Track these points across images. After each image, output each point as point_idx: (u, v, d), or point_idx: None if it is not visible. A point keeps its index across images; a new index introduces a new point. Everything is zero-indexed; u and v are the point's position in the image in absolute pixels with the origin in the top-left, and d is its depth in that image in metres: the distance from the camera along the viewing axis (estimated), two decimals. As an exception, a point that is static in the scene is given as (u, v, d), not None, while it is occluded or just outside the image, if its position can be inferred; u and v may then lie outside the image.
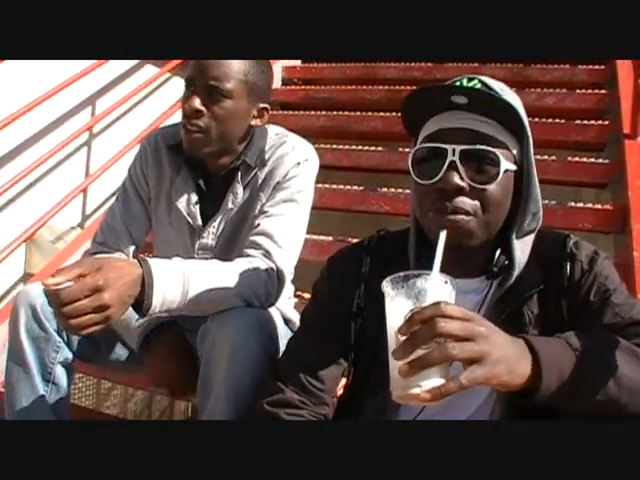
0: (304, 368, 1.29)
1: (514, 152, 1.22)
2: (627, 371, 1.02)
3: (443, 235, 1.11)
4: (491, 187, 1.18)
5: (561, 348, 1.02)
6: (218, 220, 1.75)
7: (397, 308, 0.97)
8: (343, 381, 1.37)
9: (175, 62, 3.98)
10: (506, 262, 1.24)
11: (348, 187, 3.38)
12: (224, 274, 1.49)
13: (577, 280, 1.23)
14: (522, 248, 1.25)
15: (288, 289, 1.83)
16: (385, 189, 3.26)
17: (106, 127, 3.86)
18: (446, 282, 0.99)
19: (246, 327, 1.41)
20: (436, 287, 0.97)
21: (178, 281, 1.40)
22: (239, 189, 1.74)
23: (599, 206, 2.96)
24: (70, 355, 1.69)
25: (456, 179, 1.16)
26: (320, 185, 3.38)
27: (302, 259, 2.06)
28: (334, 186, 3.40)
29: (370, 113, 3.89)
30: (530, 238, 1.27)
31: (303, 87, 4.44)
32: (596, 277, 1.22)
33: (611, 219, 2.84)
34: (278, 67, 4.46)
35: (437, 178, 1.17)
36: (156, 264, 1.37)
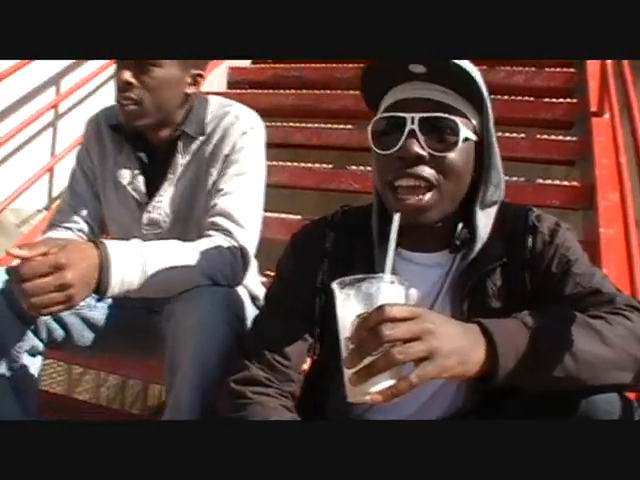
0: (270, 345, 1.28)
1: (474, 122, 1.22)
2: (584, 346, 1.01)
3: (396, 221, 1.11)
4: (451, 155, 1.18)
5: (516, 328, 1.01)
6: (163, 193, 1.73)
7: (345, 313, 0.96)
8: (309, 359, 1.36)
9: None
10: (469, 235, 1.24)
11: (317, 165, 3.37)
12: (185, 254, 1.48)
13: (539, 252, 1.23)
14: (485, 221, 1.25)
15: (253, 265, 1.81)
16: (354, 167, 3.26)
17: (72, 106, 3.79)
18: (393, 282, 0.97)
19: (212, 306, 1.40)
20: (383, 289, 0.96)
21: (136, 262, 1.38)
22: (180, 159, 1.72)
23: (567, 183, 2.98)
24: (37, 343, 1.65)
25: (416, 147, 1.16)
26: (290, 164, 3.39)
27: (271, 238, 2.04)
28: (303, 164, 3.40)
29: (340, 91, 3.87)
30: (492, 211, 1.27)
31: (272, 65, 4.40)
32: (558, 248, 1.22)
33: (579, 196, 2.87)
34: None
35: (397, 147, 1.17)
36: (113, 245, 1.36)
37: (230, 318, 1.42)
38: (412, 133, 1.16)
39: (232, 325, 1.42)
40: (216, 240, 1.56)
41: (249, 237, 1.63)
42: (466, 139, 1.19)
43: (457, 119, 1.17)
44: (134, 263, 1.38)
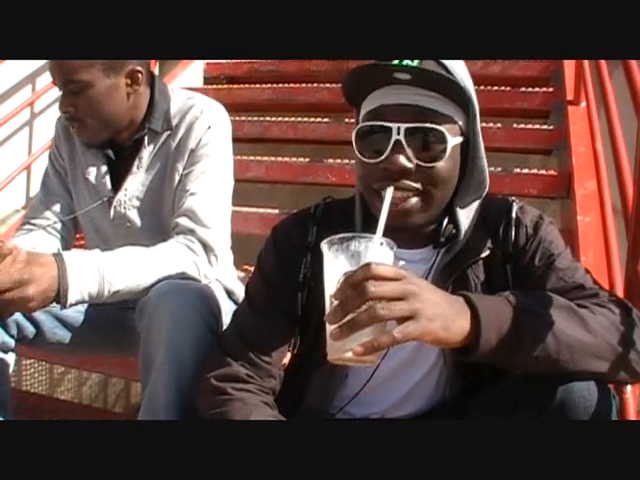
0: (251, 341, 1.26)
1: (460, 123, 1.18)
2: (567, 329, 1.02)
3: (389, 193, 1.10)
4: (439, 165, 1.15)
5: (501, 304, 1.01)
6: (128, 187, 1.74)
7: (332, 271, 0.97)
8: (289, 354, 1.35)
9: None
10: (454, 231, 1.23)
11: (294, 159, 3.36)
12: (145, 258, 1.51)
13: (522, 245, 1.22)
14: (467, 215, 1.24)
15: (227, 259, 1.80)
16: (331, 160, 3.25)
17: (48, 104, 3.74)
18: (382, 243, 0.98)
19: (185, 300, 1.39)
20: (371, 249, 0.96)
21: (94, 271, 1.42)
22: (145, 153, 1.73)
23: (544, 172, 2.99)
24: (8, 339, 1.65)
25: (402, 160, 1.13)
26: (267, 158, 3.37)
27: (249, 233, 2.02)
28: (280, 159, 3.39)
29: (316, 85, 3.87)
30: (475, 204, 1.26)
31: (248, 60, 4.38)
32: (541, 242, 1.22)
33: (556, 185, 2.87)
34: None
35: (382, 158, 1.14)
36: (71, 257, 1.40)
37: (204, 313, 1.41)
38: (398, 144, 1.12)
39: (206, 320, 1.41)
40: (179, 241, 1.58)
41: (215, 235, 1.64)
42: (452, 146, 1.16)
43: (444, 127, 1.14)
44: (92, 272, 1.41)
